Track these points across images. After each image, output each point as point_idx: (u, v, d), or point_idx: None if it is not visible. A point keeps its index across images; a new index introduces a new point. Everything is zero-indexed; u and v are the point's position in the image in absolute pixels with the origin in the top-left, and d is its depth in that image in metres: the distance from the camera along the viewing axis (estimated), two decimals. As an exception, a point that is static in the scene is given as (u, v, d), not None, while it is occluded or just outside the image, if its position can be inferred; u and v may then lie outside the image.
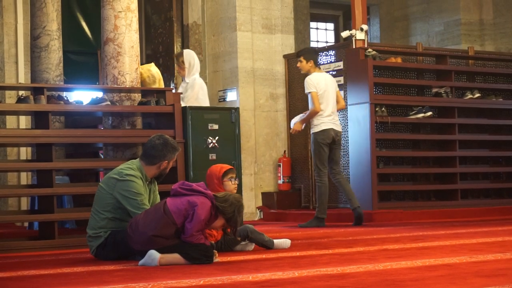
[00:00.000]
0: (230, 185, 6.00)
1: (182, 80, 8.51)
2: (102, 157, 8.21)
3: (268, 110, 11.13)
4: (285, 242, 5.98)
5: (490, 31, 13.74)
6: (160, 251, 4.98)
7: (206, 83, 11.51)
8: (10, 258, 5.86)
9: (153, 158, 5.57)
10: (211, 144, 7.61)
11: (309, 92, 8.78)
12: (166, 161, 5.58)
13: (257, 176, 10.95)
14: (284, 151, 11.16)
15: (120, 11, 7.41)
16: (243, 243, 5.85)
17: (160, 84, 7.86)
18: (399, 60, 10.24)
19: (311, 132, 8.85)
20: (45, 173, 6.94)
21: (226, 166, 6.15)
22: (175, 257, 4.98)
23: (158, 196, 5.77)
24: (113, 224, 5.45)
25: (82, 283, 4.21)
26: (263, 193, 10.97)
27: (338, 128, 8.85)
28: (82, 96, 8.62)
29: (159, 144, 5.58)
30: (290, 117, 11.17)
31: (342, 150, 9.43)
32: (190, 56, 8.40)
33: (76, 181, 8.43)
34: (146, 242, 5.08)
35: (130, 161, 5.73)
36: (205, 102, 8.22)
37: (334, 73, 10.49)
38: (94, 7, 11.60)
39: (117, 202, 5.45)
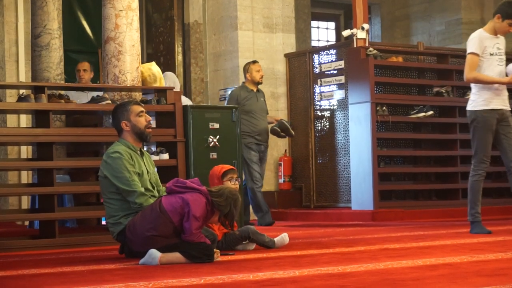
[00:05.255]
0: (230, 185, 6.00)
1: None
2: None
3: (269, 109, 11.08)
4: (284, 238, 5.98)
5: (491, 31, 13.71)
6: (161, 250, 4.97)
7: (206, 82, 11.55)
8: (11, 257, 5.86)
9: (115, 126, 5.63)
10: (212, 143, 7.60)
11: None
12: (125, 121, 5.54)
13: (258, 175, 10.90)
14: (285, 150, 11.14)
15: (121, 10, 7.40)
16: (244, 242, 5.86)
17: (161, 83, 7.85)
18: (400, 59, 10.23)
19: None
20: (45, 172, 6.94)
21: (227, 166, 6.18)
22: (176, 256, 4.96)
23: (157, 175, 5.72)
24: (127, 206, 5.36)
25: (83, 282, 4.21)
26: (264, 192, 10.93)
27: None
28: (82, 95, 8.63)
29: (111, 114, 5.72)
30: (291, 116, 11.17)
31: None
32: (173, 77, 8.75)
33: (76, 180, 8.42)
34: (146, 243, 5.06)
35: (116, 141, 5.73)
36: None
37: (335, 72, 10.49)
38: (95, 5, 11.59)
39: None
